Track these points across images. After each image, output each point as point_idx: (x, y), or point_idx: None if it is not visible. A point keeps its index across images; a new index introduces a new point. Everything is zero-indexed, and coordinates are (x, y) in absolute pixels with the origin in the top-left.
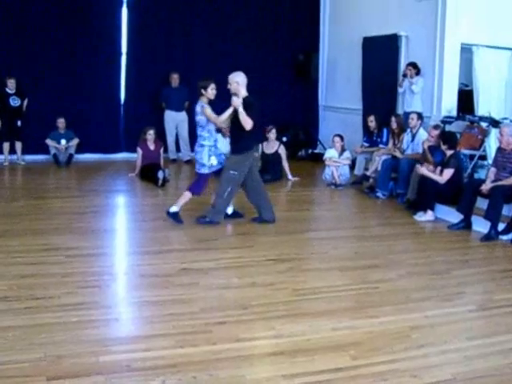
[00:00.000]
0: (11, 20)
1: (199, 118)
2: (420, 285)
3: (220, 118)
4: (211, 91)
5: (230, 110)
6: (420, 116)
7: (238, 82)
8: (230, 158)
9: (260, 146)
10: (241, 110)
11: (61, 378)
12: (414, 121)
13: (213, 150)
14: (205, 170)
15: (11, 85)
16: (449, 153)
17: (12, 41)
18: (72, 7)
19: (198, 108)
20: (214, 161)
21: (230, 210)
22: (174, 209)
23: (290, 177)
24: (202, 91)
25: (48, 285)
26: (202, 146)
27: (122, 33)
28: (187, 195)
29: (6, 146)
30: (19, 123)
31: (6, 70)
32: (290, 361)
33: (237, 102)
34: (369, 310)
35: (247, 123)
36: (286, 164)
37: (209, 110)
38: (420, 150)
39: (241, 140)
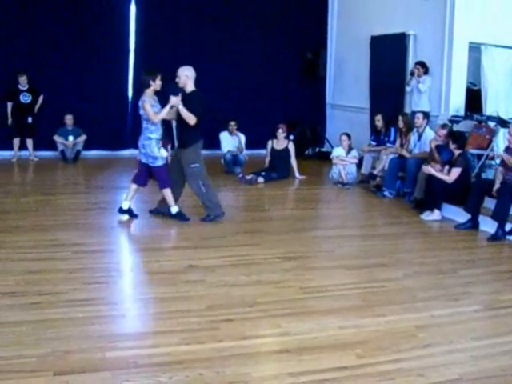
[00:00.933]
0: (21, 17)
1: (142, 112)
2: (427, 284)
3: (157, 115)
4: (159, 82)
5: (167, 108)
6: (426, 115)
7: (188, 75)
8: (183, 153)
9: (270, 142)
10: (181, 107)
11: (67, 373)
12: (419, 120)
13: (160, 142)
14: (159, 163)
15: (23, 81)
16: (457, 152)
17: (21, 38)
18: (80, 4)
19: (140, 102)
20: (163, 153)
21: (126, 205)
22: (174, 209)
23: (297, 175)
24: (151, 83)
25: (55, 280)
26: (150, 138)
27: (130, 30)
28: (166, 192)
29: (16, 142)
30: (30, 120)
31: (18, 66)
32: (296, 359)
33: (175, 100)
34: (375, 308)
35: (190, 119)
36: (294, 162)
37: (148, 105)
38: (427, 149)
39: (187, 134)
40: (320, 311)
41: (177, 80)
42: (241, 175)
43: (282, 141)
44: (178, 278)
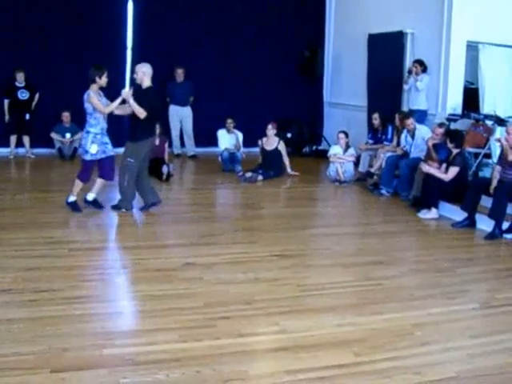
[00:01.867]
0: (17, 14)
1: (86, 106)
2: (423, 282)
3: (108, 107)
4: (105, 79)
5: (118, 100)
6: (413, 114)
7: (144, 72)
8: (127, 145)
9: (260, 142)
10: (131, 101)
11: (64, 370)
12: (411, 125)
13: (98, 137)
14: (87, 157)
15: (20, 78)
16: (455, 151)
17: (18, 35)
18: (78, 2)
19: (85, 96)
20: (94, 149)
21: (90, 197)
22: (71, 198)
23: (289, 170)
24: (97, 79)
25: (52, 278)
26: (88, 132)
27: (128, 27)
28: (77, 183)
29: (13, 139)
30: (27, 117)
31: (14, 63)
32: (294, 356)
33: (126, 93)
34: (372, 306)
35: (139, 113)
36: (286, 159)
37: (95, 99)
38: (422, 146)
39: (137, 129)
40: (317, 309)
41: (134, 76)
42: (240, 173)
43: (271, 139)
44: (174, 275)
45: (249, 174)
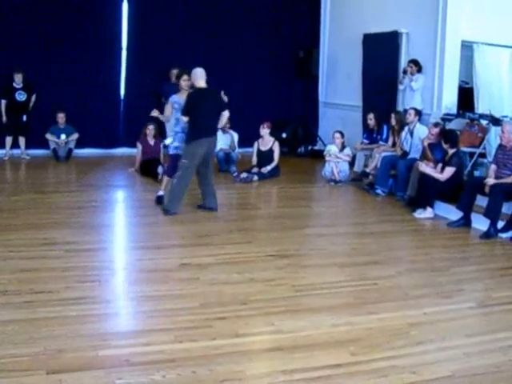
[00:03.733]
0: (16, 17)
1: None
2: (419, 282)
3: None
4: (183, 82)
5: (168, 107)
6: (418, 112)
7: (192, 75)
8: (183, 147)
9: (256, 144)
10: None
11: (60, 371)
12: (411, 116)
13: (178, 135)
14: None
15: (18, 79)
16: (451, 151)
17: (13, 36)
18: (74, 2)
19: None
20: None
21: (160, 192)
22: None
23: (267, 168)
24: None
25: (48, 279)
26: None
27: (123, 28)
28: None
29: (9, 140)
30: (24, 118)
31: (10, 65)
32: (290, 356)
33: (153, 112)
34: (368, 306)
35: (163, 118)
36: (276, 158)
37: (169, 104)
38: (419, 146)
39: (189, 131)
40: (313, 309)
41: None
42: (236, 174)
43: (267, 139)
44: (170, 276)
45: (244, 175)
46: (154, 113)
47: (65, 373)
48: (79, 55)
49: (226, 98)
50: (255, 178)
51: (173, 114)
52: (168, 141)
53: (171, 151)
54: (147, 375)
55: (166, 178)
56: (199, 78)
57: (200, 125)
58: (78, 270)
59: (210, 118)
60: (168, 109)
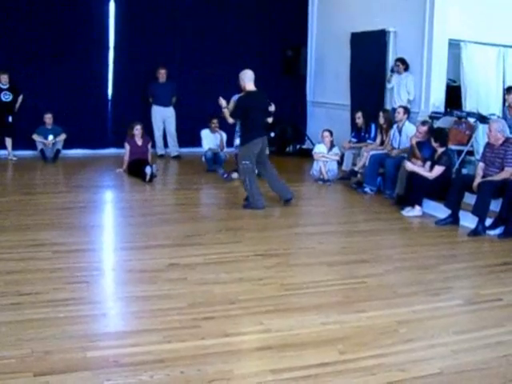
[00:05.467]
0: (1, 17)
1: None
2: (407, 280)
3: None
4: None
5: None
6: (406, 110)
7: (242, 78)
8: (239, 149)
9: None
10: (223, 109)
11: (48, 373)
12: (400, 115)
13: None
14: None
15: (4, 80)
16: (440, 150)
17: (1, 37)
18: (60, 2)
19: None
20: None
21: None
22: None
23: None
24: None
25: (35, 280)
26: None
27: (110, 27)
28: None
29: None
30: (10, 119)
31: None
32: (278, 355)
33: (220, 101)
34: (357, 304)
35: (227, 118)
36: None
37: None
38: (407, 144)
39: (242, 133)
40: (302, 308)
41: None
42: (226, 175)
43: None
44: (159, 276)
45: (235, 175)
46: (222, 101)
47: (52, 375)
48: (66, 55)
49: (273, 107)
50: (235, 175)
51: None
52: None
53: (235, 149)
54: (136, 376)
55: None
56: (249, 80)
57: (252, 126)
58: (66, 271)
59: (262, 118)
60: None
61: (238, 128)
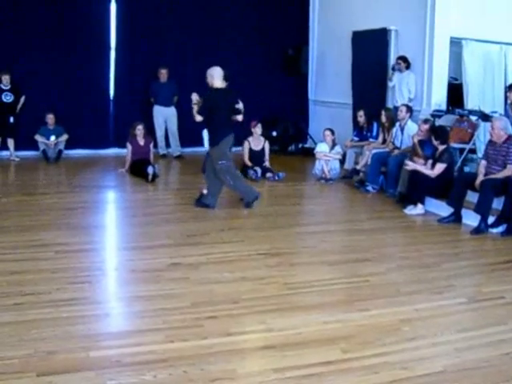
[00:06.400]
0: (2, 17)
1: None
2: (410, 278)
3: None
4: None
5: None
6: (409, 108)
7: (212, 74)
8: (210, 151)
9: (246, 143)
10: (192, 105)
11: (51, 373)
12: (402, 113)
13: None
14: None
15: (5, 81)
16: (441, 148)
17: (3, 37)
18: (61, 3)
19: None
20: None
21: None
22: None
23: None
24: None
25: (38, 281)
26: None
27: (111, 28)
28: None
29: None
30: (11, 119)
31: (0, 65)
32: (281, 354)
33: (193, 96)
34: (359, 303)
35: (194, 116)
36: (267, 156)
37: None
38: (410, 143)
39: (212, 132)
40: (304, 307)
41: (206, 80)
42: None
43: (257, 140)
44: (161, 275)
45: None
46: (194, 96)
47: (55, 375)
48: (68, 56)
49: (241, 105)
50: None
51: None
52: None
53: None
54: (139, 375)
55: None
56: (218, 77)
57: (221, 124)
58: (69, 272)
59: (229, 116)
60: None
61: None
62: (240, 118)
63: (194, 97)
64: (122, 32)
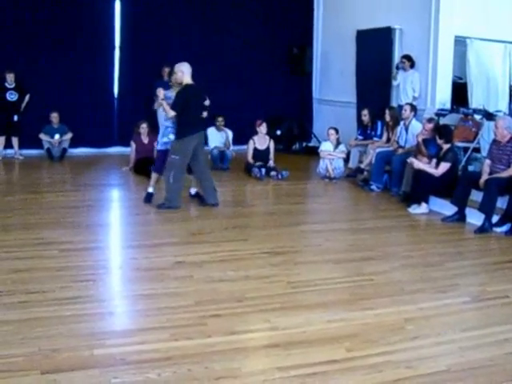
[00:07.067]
0: (7, 16)
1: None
2: (414, 277)
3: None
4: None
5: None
6: (413, 107)
7: (183, 70)
8: (172, 143)
9: (251, 142)
10: (161, 100)
11: (55, 371)
12: (407, 112)
13: (168, 129)
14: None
15: (10, 79)
16: (445, 147)
17: (6, 36)
18: (66, 2)
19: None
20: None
21: (193, 191)
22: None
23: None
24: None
25: (42, 279)
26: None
27: (115, 27)
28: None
29: (1, 140)
30: (16, 118)
31: (4, 64)
32: (285, 353)
33: (159, 92)
34: (363, 302)
35: (167, 111)
36: (272, 155)
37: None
38: (414, 142)
39: (180, 126)
40: (308, 305)
41: (173, 76)
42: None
43: (263, 138)
44: (165, 274)
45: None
46: (161, 92)
47: (60, 373)
48: (72, 54)
49: (208, 102)
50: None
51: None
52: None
53: (161, 146)
54: (143, 374)
55: (154, 175)
56: (187, 73)
57: (192, 120)
58: (73, 270)
59: (200, 113)
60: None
61: (167, 122)
62: (206, 113)
63: (161, 93)
64: (126, 31)
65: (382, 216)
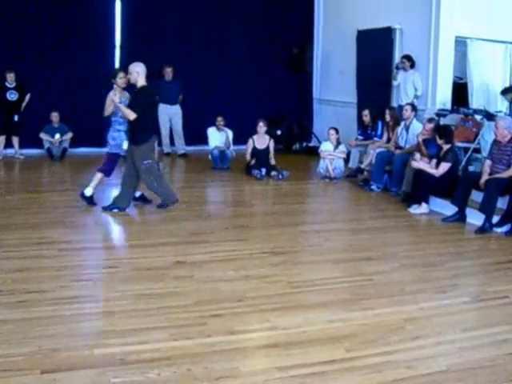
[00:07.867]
0: (7, 16)
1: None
2: (414, 277)
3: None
4: (120, 80)
5: (107, 102)
6: (414, 108)
7: (138, 71)
8: (134, 150)
9: (250, 141)
10: (118, 104)
11: (55, 371)
12: (407, 112)
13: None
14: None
15: (10, 79)
16: (445, 147)
17: (6, 35)
18: (66, 1)
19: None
20: (125, 145)
21: (137, 194)
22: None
23: (272, 161)
24: (116, 80)
25: (42, 278)
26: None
27: (116, 26)
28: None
29: (2, 140)
30: (16, 118)
31: (5, 63)
32: (285, 353)
33: (113, 96)
34: (363, 302)
35: (128, 114)
36: (272, 159)
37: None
38: (414, 142)
39: (138, 131)
40: (308, 305)
41: (128, 76)
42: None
43: (262, 138)
44: (165, 273)
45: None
46: (115, 97)
47: (59, 372)
48: (73, 54)
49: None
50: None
51: (114, 113)
52: (125, 144)
53: (114, 150)
54: (142, 373)
55: (99, 175)
56: (143, 74)
57: (152, 122)
58: (73, 269)
59: (156, 114)
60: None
61: (121, 126)
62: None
63: (117, 96)
64: (127, 30)
65: (382, 216)
